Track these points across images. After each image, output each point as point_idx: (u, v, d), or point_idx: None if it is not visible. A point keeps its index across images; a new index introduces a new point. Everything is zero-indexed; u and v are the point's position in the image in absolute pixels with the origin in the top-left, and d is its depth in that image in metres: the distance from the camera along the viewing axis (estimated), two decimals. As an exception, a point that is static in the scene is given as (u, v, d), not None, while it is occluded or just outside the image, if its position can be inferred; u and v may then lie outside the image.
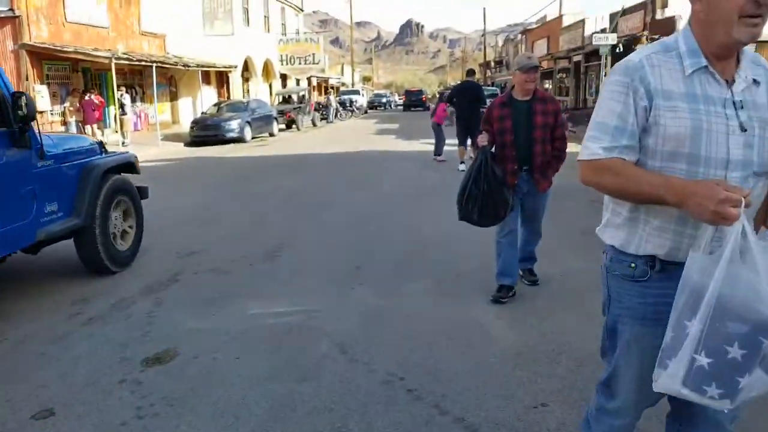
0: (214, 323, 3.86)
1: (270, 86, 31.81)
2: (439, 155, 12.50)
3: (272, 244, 5.87)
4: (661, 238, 1.55)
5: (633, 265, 1.62)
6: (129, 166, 5.50)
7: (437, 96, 16.41)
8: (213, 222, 7.00)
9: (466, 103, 11.19)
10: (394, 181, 9.92)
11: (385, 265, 5.10)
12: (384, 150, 15.64)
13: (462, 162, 11.76)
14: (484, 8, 42.52)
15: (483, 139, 3.93)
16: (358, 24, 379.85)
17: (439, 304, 4.12)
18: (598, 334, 1.94)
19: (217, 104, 21.80)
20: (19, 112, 3.98)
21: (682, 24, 14.26)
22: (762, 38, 1.54)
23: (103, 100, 17.46)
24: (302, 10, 37.35)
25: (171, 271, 5.03)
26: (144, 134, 19.54)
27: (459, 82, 12.98)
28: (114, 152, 5.98)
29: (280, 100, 28.37)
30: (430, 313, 3.96)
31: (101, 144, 5.49)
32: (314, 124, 27.38)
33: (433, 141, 13.10)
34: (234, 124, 18.59)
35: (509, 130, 3.95)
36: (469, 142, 11.87)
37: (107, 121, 18.54)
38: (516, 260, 4.23)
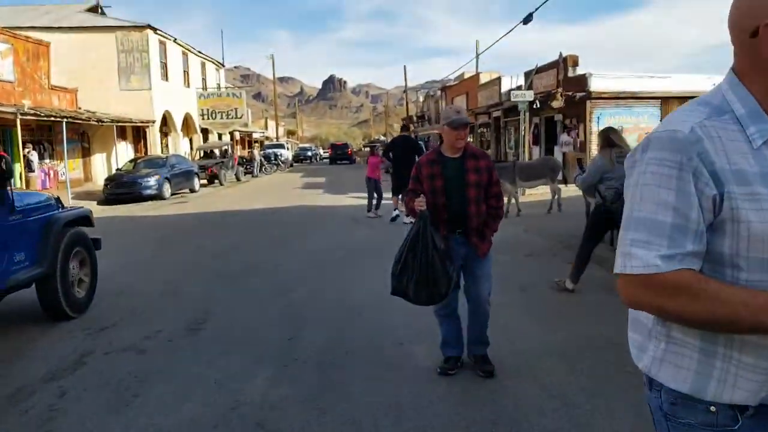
0: (129, 418, 3.33)
1: (190, 141, 30.98)
2: (375, 209, 12.34)
3: (193, 315, 5.35)
4: (755, 381, 1.11)
5: (713, 409, 1.15)
6: (85, 219, 5.92)
7: (370, 149, 16.19)
8: (127, 291, 6.37)
9: (403, 155, 11.53)
10: (324, 239, 9.59)
11: (320, 336, 4.72)
12: (312, 205, 15.32)
13: (396, 209, 11.93)
14: (405, 66, 43.88)
15: (421, 203, 3.53)
16: (281, 79, 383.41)
17: (383, 381, 3.77)
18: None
19: (133, 160, 20.85)
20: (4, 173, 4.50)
21: (593, 81, 15.02)
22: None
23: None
24: (223, 66, 37.07)
25: (77, 352, 4.44)
26: (53, 193, 18.19)
27: (395, 136, 13.15)
28: (72, 207, 6.54)
29: (202, 155, 27.62)
30: (374, 393, 3.60)
31: (58, 199, 5.82)
32: (238, 179, 26.75)
33: (365, 195, 12.96)
34: (152, 181, 17.75)
35: (440, 191, 3.63)
36: (399, 196, 12.17)
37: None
38: (460, 328, 3.94)
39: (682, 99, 17.48)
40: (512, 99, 16.73)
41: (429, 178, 3.67)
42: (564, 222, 10.86)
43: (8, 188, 4.65)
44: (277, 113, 55.51)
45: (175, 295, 6.21)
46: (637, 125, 17.35)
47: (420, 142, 32.97)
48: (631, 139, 17.50)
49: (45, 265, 4.98)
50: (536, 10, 13.22)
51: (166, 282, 6.78)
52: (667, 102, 17.41)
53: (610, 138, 5.65)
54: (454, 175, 3.65)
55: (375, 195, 12.41)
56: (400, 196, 11.59)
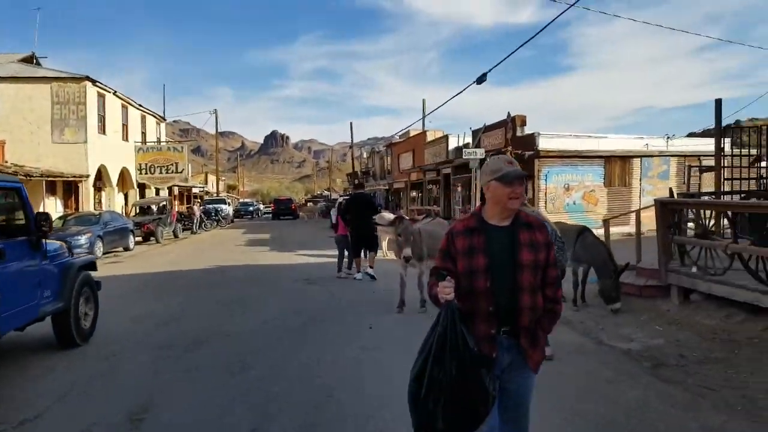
0: None
1: (126, 196, 29.57)
2: (347, 268, 11.86)
3: (134, 402, 4.57)
4: None
5: None
6: (92, 264, 7.37)
7: (339, 205, 15.58)
8: (55, 369, 5.48)
9: (360, 213, 11.30)
10: (277, 304, 8.89)
11: (289, 425, 4.06)
12: (259, 264, 14.54)
13: (359, 271, 11.53)
14: (351, 123, 44.20)
15: (446, 289, 2.52)
16: (222, 134, 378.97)
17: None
18: None
19: (63, 217, 19.46)
20: (43, 228, 5.72)
21: (541, 140, 15.21)
22: None
23: None
24: (164, 119, 36.13)
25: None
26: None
27: (350, 195, 12.78)
28: (80, 254, 8.26)
29: (138, 210, 26.31)
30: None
31: (69, 248, 7.12)
32: (176, 236, 25.51)
33: (314, 252, 12.43)
34: (82, 239, 16.44)
35: (482, 271, 2.63)
36: (364, 253, 11.70)
37: None
38: None
39: (624, 158, 18.08)
40: (464, 157, 16.76)
41: (466, 255, 2.68)
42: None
43: (44, 239, 5.91)
44: (218, 168, 54.35)
45: (111, 375, 5.38)
46: (582, 183, 17.71)
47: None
48: (577, 196, 17.89)
49: (65, 300, 6.19)
50: (490, 71, 13.43)
51: (99, 359, 5.92)
52: (609, 161, 17.92)
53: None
54: (501, 251, 2.67)
55: (346, 253, 11.92)
56: (364, 254, 11.56)
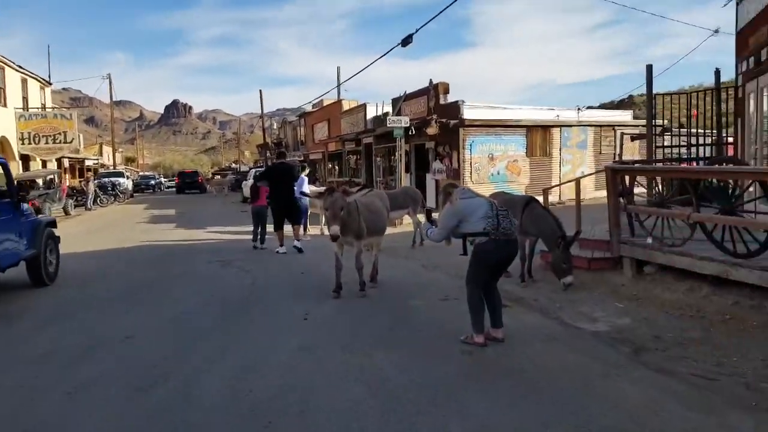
0: None
1: (7, 169, 26.27)
2: (261, 243, 11.44)
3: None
4: None
5: None
6: (53, 223, 9.14)
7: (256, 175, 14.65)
8: None
9: (280, 182, 10.66)
10: (188, 290, 7.65)
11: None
12: (165, 243, 13.00)
13: (281, 245, 10.65)
14: (261, 90, 41.94)
15: None
16: (118, 103, 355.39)
17: None
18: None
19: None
20: (21, 193, 8.11)
21: (465, 109, 14.59)
22: None
23: None
24: (50, 83, 32.38)
25: None
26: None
27: (272, 163, 11.78)
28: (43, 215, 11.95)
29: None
30: None
31: (38, 209, 10.10)
32: (67, 213, 22.93)
33: (227, 228, 11.31)
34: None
35: None
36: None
37: None
38: None
39: (545, 128, 17.93)
40: (389, 125, 15.86)
41: None
42: (454, 254, 9.95)
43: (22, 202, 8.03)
44: (114, 138, 50.22)
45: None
46: (506, 152, 17.40)
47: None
48: (501, 166, 17.57)
49: (37, 248, 7.91)
50: (416, 31, 12.54)
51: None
52: (531, 131, 17.71)
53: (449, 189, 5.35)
54: None
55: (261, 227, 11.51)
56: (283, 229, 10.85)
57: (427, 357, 4.65)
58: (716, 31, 19.81)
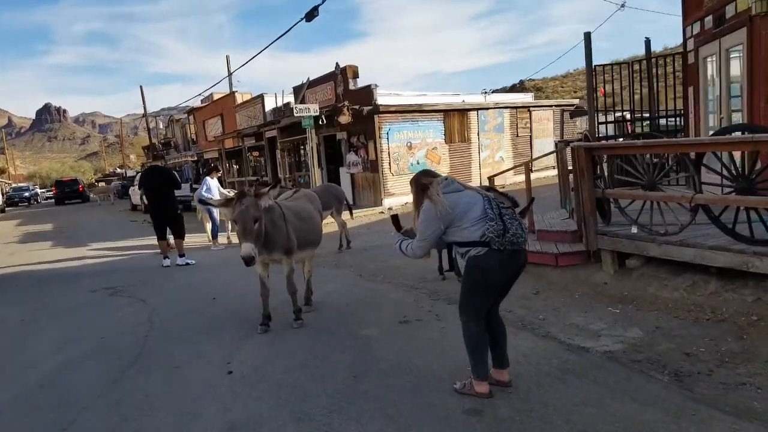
0: None
1: None
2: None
3: None
4: None
5: None
6: None
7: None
8: None
9: (158, 190, 9.51)
10: (63, 340, 5.74)
11: None
12: (36, 269, 10.65)
13: (166, 257, 9.47)
14: (141, 86, 38.38)
15: None
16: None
17: None
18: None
19: None
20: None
21: (379, 92, 13.29)
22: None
23: None
24: None
25: None
26: None
27: (145, 167, 10.11)
28: None
29: None
30: None
31: None
32: None
33: (116, 244, 9.51)
34: None
35: None
36: (170, 236, 9.70)
37: None
38: None
39: (462, 112, 17.07)
40: (296, 114, 14.20)
41: None
42: (387, 257, 8.67)
43: None
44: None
45: None
46: (424, 140, 16.33)
47: (174, 171, 28.67)
48: (420, 155, 16.48)
49: None
50: (322, 3, 10.99)
51: None
52: (448, 115, 16.76)
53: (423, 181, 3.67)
54: None
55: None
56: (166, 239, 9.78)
57: (419, 426, 3.28)
58: (623, 5, 19.93)
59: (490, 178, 8.43)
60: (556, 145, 9.77)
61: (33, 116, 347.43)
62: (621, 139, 9.43)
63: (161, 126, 54.11)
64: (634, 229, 5.70)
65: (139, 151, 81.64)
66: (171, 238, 9.87)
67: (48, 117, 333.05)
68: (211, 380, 4.22)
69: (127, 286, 8.07)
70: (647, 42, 10.75)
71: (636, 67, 10.46)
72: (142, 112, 40.27)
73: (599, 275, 6.10)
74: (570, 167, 9.06)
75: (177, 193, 10.04)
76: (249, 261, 4.52)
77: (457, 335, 4.77)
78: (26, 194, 45.53)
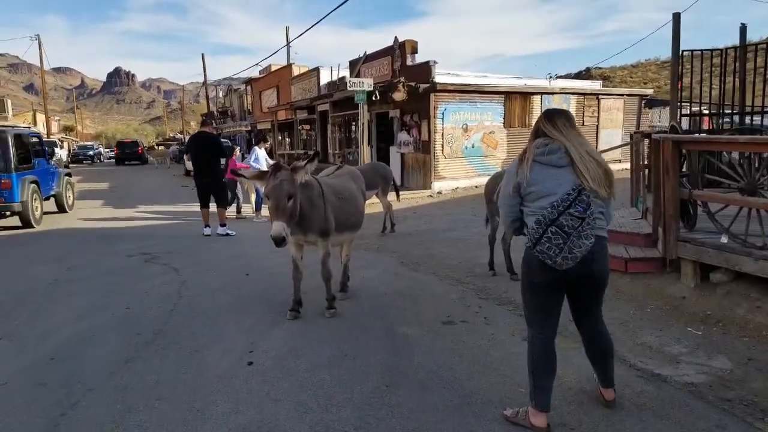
0: None
1: None
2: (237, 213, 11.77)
3: None
4: None
5: None
6: (69, 174, 14.03)
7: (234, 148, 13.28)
8: None
9: (202, 156, 9.22)
10: (89, 307, 5.44)
11: None
12: (80, 228, 10.60)
13: (207, 226, 9.24)
14: (203, 54, 38.66)
15: None
16: (58, 70, 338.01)
17: None
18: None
19: None
20: (50, 152, 13.00)
21: (437, 70, 12.55)
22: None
23: None
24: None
25: None
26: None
27: (194, 133, 9.87)
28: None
29: None
30: None
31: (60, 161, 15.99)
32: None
33: (162, 208, 9.37)
34: None
35: None
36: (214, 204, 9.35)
37: None
38: None
39: (524, 95, 16.13)
40: (349, 88, 13.68)
41: None
42: (432, 244, 8.08)
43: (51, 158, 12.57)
44: (47, 105, 45.86)
45: None
46: (481, 122, 15.52)
47: (225, 141, 28.79)
48: (476, 138, 15.71)
49: (60, 188, 12.87)
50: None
51: None
52: (510, 98, 15.86)
53: (541, 124, 2.95)
54: None
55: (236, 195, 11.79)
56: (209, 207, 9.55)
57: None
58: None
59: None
60: (630, 136, 8.88)
61: (104, 79, 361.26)
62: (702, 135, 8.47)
63: (221, 95, 54.84)
64: (725, 239, 4.91)
65: (199, 118, 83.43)
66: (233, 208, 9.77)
67: (118, 80, 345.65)
68: (229, 370, 3.78)
69: (164, 254, 7.80)
70: (743, 28, 9.63)
71: (717, 60, 9.36)
72: (211, 81, 40.68)
73: (676, 287, 5.34)
74: (646, 162, 8.22)
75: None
76: (279, 242, 4.04)
77: (508, 345, 4.19)
78: (90, 153, 46.97)
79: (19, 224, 10.52)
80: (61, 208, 12.90)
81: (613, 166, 11.86)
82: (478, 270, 6.63)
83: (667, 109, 16.36)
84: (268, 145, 12.40)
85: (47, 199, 11.90)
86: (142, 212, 12.88)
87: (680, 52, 8.39)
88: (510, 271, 6.28)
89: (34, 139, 11.84)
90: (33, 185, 10.67)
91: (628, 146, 9.39)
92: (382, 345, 4.20)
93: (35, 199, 10.79)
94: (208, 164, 8.97)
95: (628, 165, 16.73)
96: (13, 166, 10.18)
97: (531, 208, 2.84)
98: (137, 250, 8.07)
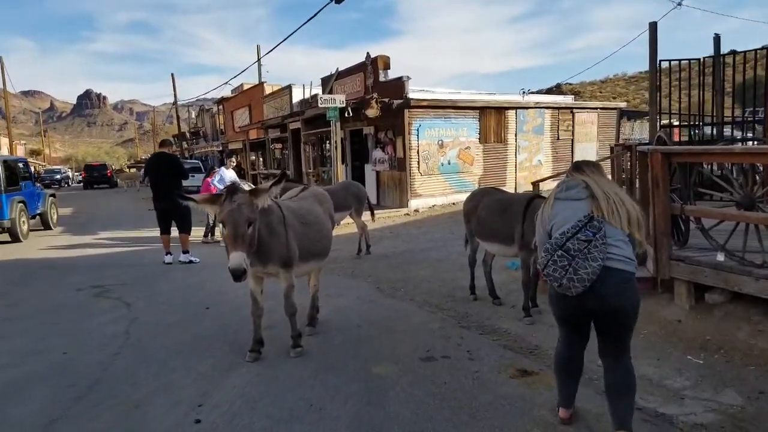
0: None
1: None
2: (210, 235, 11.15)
3: None
4: None
5: None
6: (54, 195, 15.32)
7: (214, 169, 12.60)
8: None
9: (162, 179, 8.70)
10: (21, 350, 4.85)
11: None
12: (30, 258, 9.90)
13: (168, 253, 8.70)
14: (173, 74, 38.01)
15: None
16: (27, 93, 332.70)
17: None
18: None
19: None
20: (36, 177, 16.17)
21: (411, 86, 12.19)
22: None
23: None
24: None
25: None
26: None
27: (151, 155, 9.26)
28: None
29: None
30: None
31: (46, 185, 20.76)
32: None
33: (124, 234, 8.79)
34: None
35: None
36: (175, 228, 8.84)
37: None
38: None
39: (499, 110, 15.90)
40: (320, 105, 13.25)
41: None
42: (410, 266, 7.63)
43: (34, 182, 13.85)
44: (10, 128, 44.50)
45: None
46: (457, 138, 15.19)
47: (196, 161, 28.00)
48: (452, 154, 15.38)
49: (45, 207, 13.90)
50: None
51: None
52: (485, 113, 15.59)
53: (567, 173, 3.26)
54: None
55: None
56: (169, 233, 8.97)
57: None
58: (679, 4, 18.53)
59: (535, 184, 7.32)
60: (611, 149, 8.58)
61: (74, 101, 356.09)
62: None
63: (193, 115, 54.06)
64: (721, 257, 4.55)
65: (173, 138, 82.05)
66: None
67: (88, 102, 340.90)
68: (172, 431, 3.25)
69: (117, 286, 7.20)
70: (716, 38, 9.48)
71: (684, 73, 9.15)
72: (183, 102, 39.99)
73: (670, 310, 4.95)
74: (627, 175, 7.92)
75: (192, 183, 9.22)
76: (239, 275, 3.56)
77: (496, 386, 3.71)
78: (58, 177, 45.71)
79: (9, 239, 11.80)
80: (47, 225, 14.11)
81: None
82: (459, 294, 6.20)
83: (639, 121, 16.28)
84: (234, 163, 11.85)
85: (33, 217, 13.18)
86: (103, 239, 12.20)
87: (658, 62, 8.17)
88: (492, 295, 5.86)
89: (21, 165, 13.37)
90: (20, 204, 12.13)
91: (608, 160, 9.10)
92: (353, 390, 3.70)
93: (22, 217, 12.21)
94: (168, 187, 8.31)
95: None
96: (2, 187, 11.45)
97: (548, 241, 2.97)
98: (88, 282, 7.45)
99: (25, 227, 12.26)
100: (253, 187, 4.46)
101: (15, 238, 11.71)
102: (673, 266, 4.88)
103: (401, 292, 6.46)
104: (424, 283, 6.87)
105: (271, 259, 4.03)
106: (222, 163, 26.76)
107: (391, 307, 5.77)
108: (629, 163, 7.22)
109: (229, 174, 10.44)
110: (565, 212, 2.93)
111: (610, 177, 10.10)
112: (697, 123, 9.17)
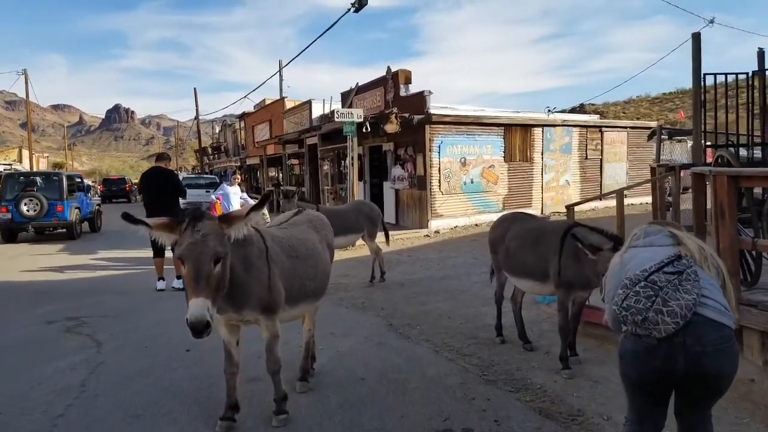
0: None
1: None
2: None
3: None
4: None
5: None
6: (99, 205, 19.50)
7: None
8: None
9: (157, 196, 7.93)
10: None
11: None
12: (13, 281, 9.32)
13: (161, 279, 7.99)
14: (195, 88, 37.96)
15: None
16: (57, 107, 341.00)
17: None
18: None
19: None
20: (88, 188, 19.49)
21: (432, 102, 11.44)
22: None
23: None
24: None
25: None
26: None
27: (147, 170, 8.48)
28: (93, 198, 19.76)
29: None
30: None
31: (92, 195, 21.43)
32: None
33: (123, 254, 8.29)
34: None
35: None
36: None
37: None
38: None
39: (525, 128, 15.11)
40: (336, 119, 12.61)
41: None
42: (428, 297, 6.85)
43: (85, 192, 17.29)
44: (31, 140, 44.85)
45: None
46: (480, 156, 14.41)
47: (214, 176, 27.57)
48: (475, 173, 14.60)
49: (93, 213, 17.39)
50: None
51: None
52: (510, 130, 14.81)
53: None
54: None
55: None
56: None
57: None
58: (712, 21, 17.67)
59: (569, 207, 6.50)
60: (652, 170, 7.73)
61: (103, 115, 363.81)
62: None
63: (216, 130, 54.20)
64: (807, 305, 3.70)
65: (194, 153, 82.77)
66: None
67: (117, 117, 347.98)
68: None
69: (95, 318, 6.50)
70: (761, 53, 8.59)
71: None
72: (205, 117, 39.98)
73: (740, 367, 4.08)
74: (670, 198, 7.08)
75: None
76: (201, 330, 2.72)
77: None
78: (80, 190, 45.88)
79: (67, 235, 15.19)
80: (93, 228, 17.40)
81: (625, 201, 10.34)
82: (483, 335, 5.40)
83: (669, 142, 15.26)
84: (238, 177, 11.12)
85: (83, 221, 16.51)
86: (99, 259, 11.61)
87: (702, 76, 7.33)
88: (522, 338, 5.06)
89: (78, 179, 17.03)
90: (76, 210, 15.60)
91: (648, 182, 8.25)
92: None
93: (77, 219, 15.66)
94: (163, 206, 7.51)
95: (636, 200, 15.75)
96: (65, 196, 14.99)
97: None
98: (64, 312, 6.75)
99: (79, 228, 15.73)
100: (255, 200, 3.71)
101: (71, 236, 15.15)
102: (743, 312, 4.03)
103: (416, 330, 5.68)
104: (444, 319, 6.08)
105: (247, 303, 3.25)
106: (226, 178, 26.27)
107: (404, 353, 4.97)
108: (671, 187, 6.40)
109: (233, 191, 9.78)
110: (643, 254, 2.42)
111: (650, 200, 9.27)
112: (746, 143, 8.27)
